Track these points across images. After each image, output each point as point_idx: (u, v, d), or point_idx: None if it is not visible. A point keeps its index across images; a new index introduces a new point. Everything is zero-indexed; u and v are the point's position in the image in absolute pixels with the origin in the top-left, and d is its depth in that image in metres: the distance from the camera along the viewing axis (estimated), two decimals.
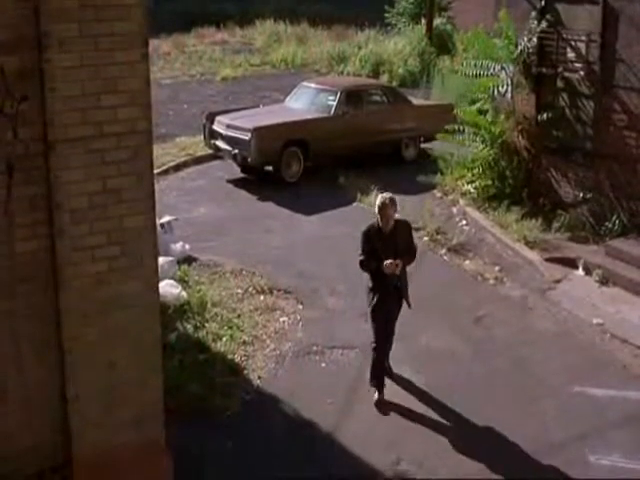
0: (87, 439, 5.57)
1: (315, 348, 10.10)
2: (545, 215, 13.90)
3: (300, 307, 11.19)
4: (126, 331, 5.66)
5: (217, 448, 8.18)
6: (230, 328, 10.38)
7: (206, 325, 10.37)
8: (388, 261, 8.56)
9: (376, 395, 8.98)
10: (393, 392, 9.10)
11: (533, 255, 12.89)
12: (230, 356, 9.79)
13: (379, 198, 8.76)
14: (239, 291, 11.49)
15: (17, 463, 5.40)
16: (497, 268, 12.62)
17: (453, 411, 8.79)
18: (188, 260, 12.35)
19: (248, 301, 11.19)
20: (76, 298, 5.45)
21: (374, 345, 9.02)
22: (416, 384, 9.30)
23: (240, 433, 8.42)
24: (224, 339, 10.10)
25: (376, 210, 8.74)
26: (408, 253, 8.90)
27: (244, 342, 10.12)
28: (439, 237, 13.63)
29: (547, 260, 12.72)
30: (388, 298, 8.92)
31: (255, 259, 12.50)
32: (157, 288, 5.97)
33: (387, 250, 8.67)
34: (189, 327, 10.27)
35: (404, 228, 8.95)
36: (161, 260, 10.59)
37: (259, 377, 9.46)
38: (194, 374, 9.15)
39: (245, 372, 9.53)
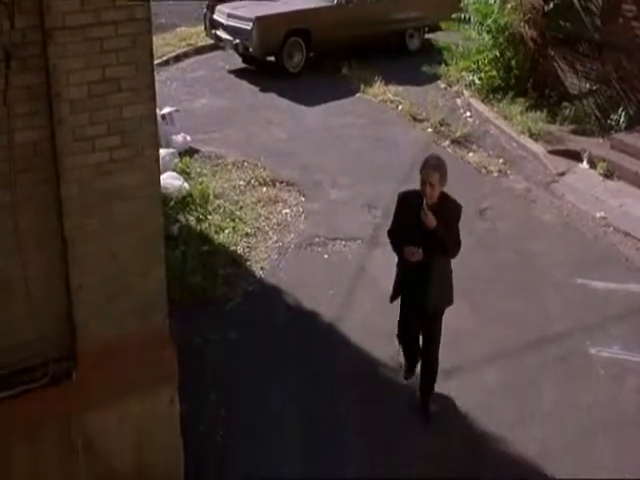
0: (91, 329, 5.60)
1: (317, 240, 10.11)
2: (550, 107, 13.75)
3: (302, 199, 11.16)
4: (128, 222, 5.63)
5: (220, 338, 8.27)
6: (232, 220, 10.37)
7: (208, 217, 10.37)
8: (411, 247, 6.86)
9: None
10: (391, 282, 9.10)
11: (537, 147, 12.79)
12: (232, 248, 9.81)
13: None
14: (241, 183, 11.44)
15: (23, 354, 5.45)
16: (501, 160, 12.54)
17: (457, 301, 8.80)
18: (190, 152, 12.28)
19: (250, 193, 11.16)
20: (77, 189, 5.40)
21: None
22: None
23: (243, 323, 8.50)
24: (226, 231, 10.11)
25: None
26: (444, 243, 6.87)
27: (246, 234, 10.13)
28: (443, 129, 13.50)
29: (551, 153, 12.62)
30: (409, 296, 7.29)
31: (257, 151, 12.40)
32: (158, 179, 5.91)
33: (420, 231, 6.81)
34: (191, 219, 10.27)
35: (452, 212, 6.96)
36: (162, 152, 10.52)
37: (261, 268, 9.50)
38: (197, 265, 9.19)
39: (248, 263, 9.57)
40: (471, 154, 12.76)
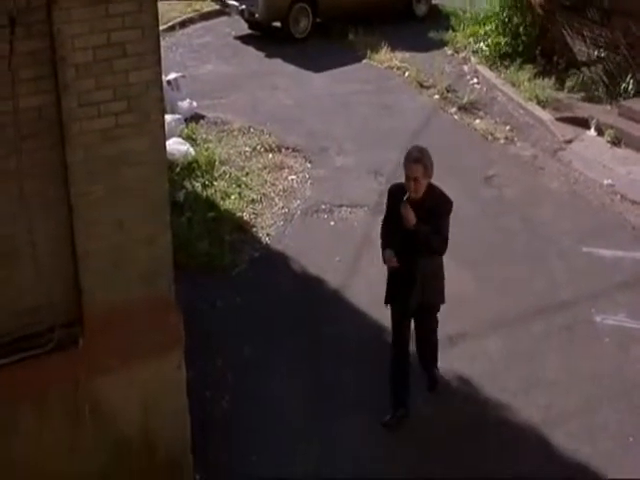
0: (97, 295, 5.60)
1: (323, 206, 10.11)
2: (558, 74, 13.64)
3: (308, 165, 11.14)
4: (134, 188, 5.61)
5: (226, 304, 8.29)
6: (238, 186, 10.37)
7: (214, 183, 10.35)
8: (388, 252, 6.58)
9: (387, 417, 7.08)
10: None
11: (545, 114, 12.71)
12: (238, 214, 9.81)
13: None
14: (247, 149, 11.41)
15: (29, 319, 5.46)
16: (508, 127, 12.48)
17: (461, 268, 8.81)
18: (195, 118, 12.25)
19: (256, 159, 11.14)
20: (82, 155, 5.38)
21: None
22: None
23: (249, 289, 8.53)
24: (232, 197, 10.10)
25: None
26: (428, 241, 6.49)
27: (252, 200, 10.12)
28: (449, 95, 13.43)
29: (559, 120, 12.55)
30: (398, 294, 6.86)
31: (263, 117, 12.36)
32: (164, 145, 5.89)
33: (404, 227, 6.47)
34: (197, 185, 10.26)
35: (440, 206, 6.56)
36: (168, 118, 10.49)
37: (267, 235, 9.50)
38: (203, 232, 9.20)
39: (253, 230, 9.57)
40: (478, 121, 12.69)
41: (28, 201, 5.28)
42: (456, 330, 7.82)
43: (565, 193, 10.72)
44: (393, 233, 6.64)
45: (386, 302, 6.93)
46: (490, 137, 12.18)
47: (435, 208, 6.49)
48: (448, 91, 13.51)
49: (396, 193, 6.64)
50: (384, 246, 6.71)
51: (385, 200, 6.92)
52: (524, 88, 13.34)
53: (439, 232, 6.49)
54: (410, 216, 6.35)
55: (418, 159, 6.36)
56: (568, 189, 10.81)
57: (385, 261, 6.65)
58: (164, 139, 5.89)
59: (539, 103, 12.96)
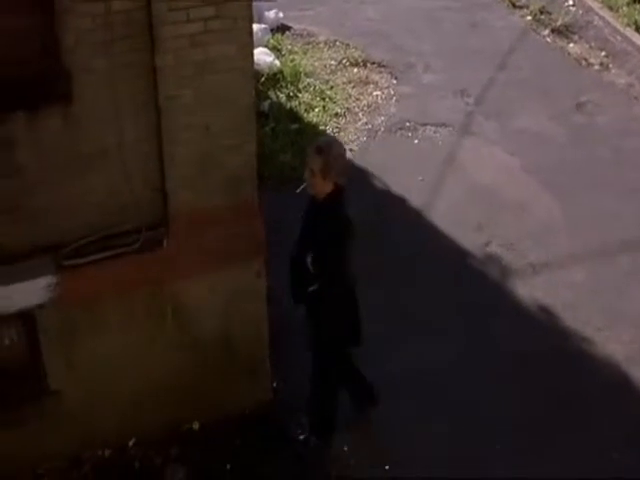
0: (182, 199, 5.62)
1: (408, 124, 9.95)
2: None
3: (394, 82, 10.94)
4: (221, 95, 5.58)
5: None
6: (323, 99, 10.27)
7: (299, 95, 10.27)
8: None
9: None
10: (482, 171, 8.87)
11: None
12: (322, 127, 9.74)
13: None
14: (332, 62, 11.26)
15: (118, 218, 5.53)
16: (603, 53, 12.02)
17: (548, 194, 8.61)
18: (281, 28, 12.07)
19: (341, 73, 10.99)
20: (171, 59, 5.36)
21: None
22: (510, 166, 9.13)
23: None
24: (316, 110, 10.03)
25: None
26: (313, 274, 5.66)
27: (336, 114, 10.04)
28: (542, 17, 12.93)
29: None
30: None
31: (350, 30, 12.14)
32: (252, 53, 5.83)
33: (303, 228, 5.81)
34: (282, 96, 10.19)
35: (325, 225, 5.59)
36: (255, 27, 10.33)
37: (350, 150, 9.39)
38: (286, 143, 9.17)
39: None
40: (571, 45, 12.26)
41: (118, 102, 5.30)
42: (539, 259, 7.69)
43: None
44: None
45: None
46: (584, 62, 11.77)
47: (323, 225, 5.58)
48: (541, 12, 13.02)
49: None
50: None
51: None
52: (622, 12, 12.81)
53: (322, 263, 5.60)
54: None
55: (320, 150, 5.49)
56: None
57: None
58: (252, 47, 5.83)
59: (638, 29, 12.44)
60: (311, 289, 5.71)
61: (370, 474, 6.19)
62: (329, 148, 5.50)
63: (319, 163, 5.41)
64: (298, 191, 5.53)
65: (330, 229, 5.54)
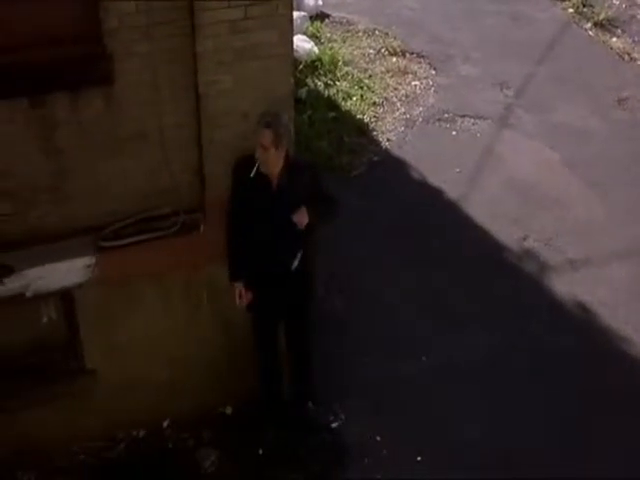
0: (220, 185, 5.65)
1: (446, 115, 9.90)
2: None
3: (433, 72, 10.88)
4: (260, 81, 5.59)
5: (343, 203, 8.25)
6: (361, 88, 10.24)
7: (337, 83, 10.26)
8: (238, 285, 5.76)
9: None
10: (520, 165, 8.82)
11: None
12: (359, 116, 9.72)
13: None
14: (371, 51, 11.22)
15: (157, 201, 5.57)
16: None
17: (588, 190, 8.52)
18: (320, 16, 12.05)
19: (380, 62, 10.95)
20: (212, 44, 5.38)
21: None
22: (549, 160, 9.06)
23: (365, 193, 8.48)
24: (354, 98, 10.01)
25: None
26: (326, 220, 5.88)
27: (374, 103, 10.01)
28: (585, 10, 12.78)
29: None
30: (268, 291, 5.88)
31: (389, 19, 12.07)
32: (291, 39, 5.84)
33: (270, 210, 5.59)
34: (319, 84, 10.18)
35: (311, 179, 5.70)
36: (294, 14, 10.33)
37: (388, 140, 9.39)
38: (323, 131, 9.17)
39: (373, 133, 9.48)
40: (614, 39, 12.12)
41: (159, 86, 5.33)
42: (579, 254, 7.62)
43: None
44: (247, 227, 5.62)
45: (249, 309, 5.95)
46: (627, 57, 11.63)
47: (310, 183, 5.65)
48: (584, 5, 12.87)
49: (243, 168, 5.53)
50: (233, 255, 5.72)
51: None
52: None
53: (326, 197, 5.74)
54: (302, 216, 5.53)
55: (268, 124, 5.38)
56: None
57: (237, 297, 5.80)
58: (292, 34, 5.84)
59: None
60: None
61: (401, 464, 6.19)
62: (277, 119, 5.45)
63: (270, 136, 5.38)
64: (252, 174, 5.41)
65: (315, 175, 5.78)
